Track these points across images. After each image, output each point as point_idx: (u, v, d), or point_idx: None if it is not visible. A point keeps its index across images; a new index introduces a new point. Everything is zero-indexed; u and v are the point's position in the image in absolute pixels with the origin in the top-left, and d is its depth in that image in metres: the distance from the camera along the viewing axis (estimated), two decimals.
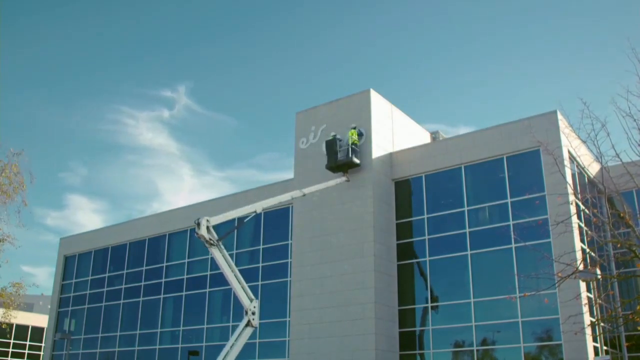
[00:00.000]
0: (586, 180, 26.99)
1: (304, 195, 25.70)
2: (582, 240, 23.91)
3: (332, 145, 27.68)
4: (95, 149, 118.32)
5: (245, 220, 23.25)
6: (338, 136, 27.81)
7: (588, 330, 20.29)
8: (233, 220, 22.24)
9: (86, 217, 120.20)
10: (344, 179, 27.40)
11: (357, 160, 27.17)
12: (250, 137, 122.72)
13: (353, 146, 27.34)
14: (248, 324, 19.79)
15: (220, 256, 19.66)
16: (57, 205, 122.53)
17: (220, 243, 19.70)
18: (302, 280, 27.81)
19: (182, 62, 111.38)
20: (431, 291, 26.33)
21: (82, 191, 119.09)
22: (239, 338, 19.47)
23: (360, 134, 27.78)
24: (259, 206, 22.71)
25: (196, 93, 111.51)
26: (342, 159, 27.26)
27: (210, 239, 19.30)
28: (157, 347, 34.46)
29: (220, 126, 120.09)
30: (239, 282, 20.11)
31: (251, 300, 20.11)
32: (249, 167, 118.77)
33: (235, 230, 28.95)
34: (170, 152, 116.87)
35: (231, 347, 19.16)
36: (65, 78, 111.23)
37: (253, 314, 19.91)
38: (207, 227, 19.34)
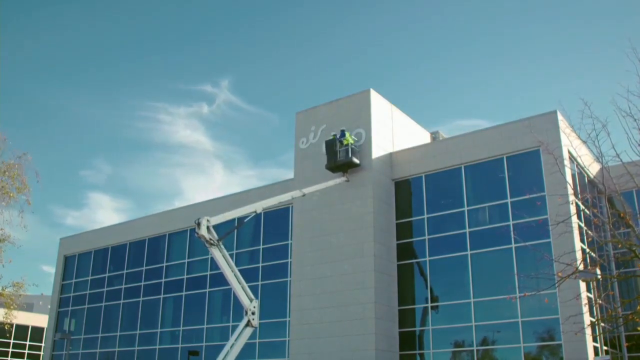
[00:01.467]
0: (586, 180, 26.99)
1: (304, 195, 25.72)
2: (582, 240, 23.91)
3: (332, 146, 27.65)
4: (123, 147, 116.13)
5: (245, 220, 23.23)
6: (338, 136, 27.79)
7: (588, 330, 20.28)
8: (233, 220, 22.23)
9: (107, 216, 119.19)
10: (343, 179, 27.42)
11: (356, 160, 27.18)
12: (288, 134, 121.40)
13: (352, 147, 27.33)
14: (248, 324, 19.80)
15: (220, 256, 19.67)
16: (77, 205, 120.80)
17: (221, 243, 19.69)
18: (302, 280, 27.81)
19: (225, 56, 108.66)
20: (431, 291, 26.33)
21: (105, 190, 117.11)
22: (239, 338, 19.48)
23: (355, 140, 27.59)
24: (259, 206, 22.71)
25: (239, 88, 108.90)
26: (342, 159, 27.26)
27: (210, 239, 19.28)
28: (157, 347, 34.46)
29: (260, 122, 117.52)
30: (239, 282, 20.11)
31: (251, 300, 20.12)
32: (278, 165, 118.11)
33: (236, 230, 28.94)
34: (204, 150, 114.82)
35: (231, 347, 19.16)
36: (99, 72, 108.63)
37: (253, 314, 19.92)
38: (208, 227, 19.31)
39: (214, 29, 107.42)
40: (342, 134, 27.62)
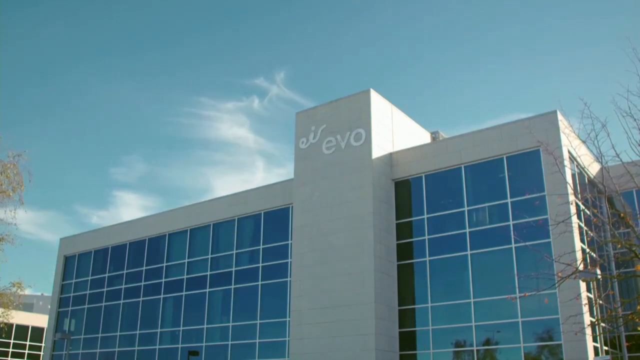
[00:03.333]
0: (586, 180, 26.99)
1: None
2: (582, 240, 23.91)
3: None
4: (162, 143, 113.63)
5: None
6: None
7: (588, 330, 20.27)
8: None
9: (133, 215, 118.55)
10: None
11: None
12: None
13: None
14: None
15: None
16: (103, 203, 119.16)
17: None
18: (302, 280, 27.80)
19: (281, 49, 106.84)
20: (431, 291, 26.32)
21: (135, 188, 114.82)
22: None
23: None
24: None
25: (293, 81, 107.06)
26: None
27: None
28: (157, 347, 34.46)
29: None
30: None
31: None
32: None
33: (235, 233, 28.38)
34: (247, 147, 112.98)
35: None
36: (147, 66, 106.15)
37: None
38: None
39: (267, 21, 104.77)
40: None
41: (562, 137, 23.26)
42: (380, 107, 28.96)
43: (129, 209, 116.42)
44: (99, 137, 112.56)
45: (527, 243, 21.41)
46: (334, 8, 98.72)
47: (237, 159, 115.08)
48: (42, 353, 47.16)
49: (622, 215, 13.25)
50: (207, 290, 33.02)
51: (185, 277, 34.50)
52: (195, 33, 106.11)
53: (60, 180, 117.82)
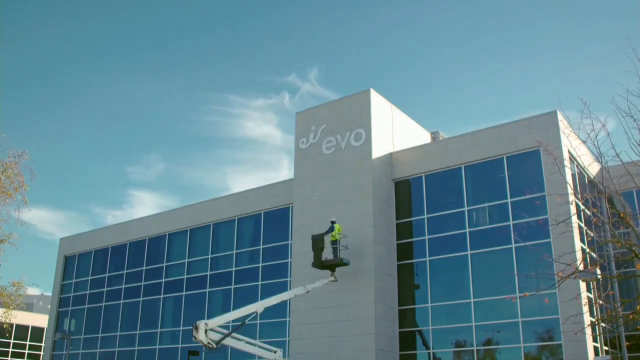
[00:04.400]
0: (586, 180, 26.99)
1: (308, 292, 24.83)
2: (582, 240, 23.91)
3: (318, 242, 25.58)
4: (185, 142, 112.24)
5: (246, 321, 21.55)
6: (327, 229, 26.04)
7: (588, 330, 20.27)
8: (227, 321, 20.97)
9: (147, 214, 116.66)
10: (331, 279, 25.62)
11: (346, 261, 25.53)
12: None
13: (339, 243, 25.66)
14: None
15: (234, 344, 19.09)
16: (117, 202, 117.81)
17: (220, 344, 18.59)
18: (302, 281, 27.75)
19: (314, 45, 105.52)
20: (431, 291, 26.31)
21: (153, 187, 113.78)
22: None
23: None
24: (260, 306, 21.85)
25: (326, 78, 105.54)
26: (329, 258, 25.50)
27: (209, 343, 18.08)
28: (157, 347, 34.46)
29: None
30: (256, 346, 19.58)
31: (275, 352, 19.77)
32: None
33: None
34: (274, 144, 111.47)
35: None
36: (174, 63, 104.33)
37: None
38: (206, 331, 18.11)
39: (301, 18, 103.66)
40: (332, 227, 25.85)
41: (562, 137, 23.26)
42: (380, 107, 28.96)
43: (145, 209, 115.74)
44: (118, 136, 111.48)
45: (527, 243, 21.41)
46: (333, 8, 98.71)
47: (263, 157, 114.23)
48: (42, 353, 47.16)
49: (622, 215, 13.25)
50: (207, 290, 33.02)
51: (185, 277, 34.50)
52: (224, 30, 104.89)
53: (78, 179, 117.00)
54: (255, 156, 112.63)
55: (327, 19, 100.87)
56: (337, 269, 26.20)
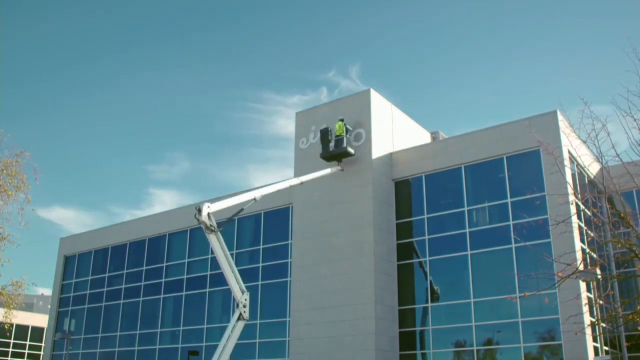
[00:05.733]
0: (586, 180, 26.99)
1: (302, 183, 26.00)
2: (582, 240, 23.91)
3: (326, 135, 28.01)
4: (215, 139, 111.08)
5: (243, 209, 22.93)
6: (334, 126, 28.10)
7: (588, 330, 20.28)
8: (231, 209, 22.20)
9: None
10: (338, 168, 27.73)
11: (351, 150, 27.43)
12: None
13: (346, 136, 27.67)
14: (240, 317, 19.82)
15: (218, 244, 19.76)
16: (137, 201, 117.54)
17: (219, 232, 19.75)
18: (302, 280, 27.80)
19: (354, 42, 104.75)
20: (431, 291, 26.32)
21: (175, 185, 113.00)
22: (233, 332, 19.50)
23: (347, 130, 27.87)
24: (258, 193, 22.79)
25: (367, 74, 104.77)
26: (335, 149, 27.60)
27: (210, 225, 19.36)
28: (157, 347, 34.46)
29: None
30: (233, 272, 20.20)
31: (243, 292, 20.19)
32: None
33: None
34: None
35: (226, 341, 19.19)
36: (211, 60, 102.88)
37: (244, 306, 19.96)
38: (208, 214, 19.38)
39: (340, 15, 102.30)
40: (347, 127, 27.99)
41: (562, 137, 23.27)
42: (380, 107, 28.96)
43: (164, 208, 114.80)
44: (144, 132, 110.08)
45: (527, 243, 21.40)
46: (333, 8, 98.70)
47: (289, 155, 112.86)
48: (42, 353, 47.17)
49: (622, 215, 13.26)
50: (207, 290, 33.02)
51: (185, 277, 34.51)
52: (268, 25, 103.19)
53: (102, 177, 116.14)
54: (281, 154, 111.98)
55: (326, 19, 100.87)
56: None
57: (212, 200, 20.47)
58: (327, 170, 27.14)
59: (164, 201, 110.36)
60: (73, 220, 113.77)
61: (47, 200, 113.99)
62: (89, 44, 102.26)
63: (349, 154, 27.49)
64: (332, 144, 27.76)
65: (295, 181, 25.74)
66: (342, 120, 28.07)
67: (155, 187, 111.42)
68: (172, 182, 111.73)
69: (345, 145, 27.39)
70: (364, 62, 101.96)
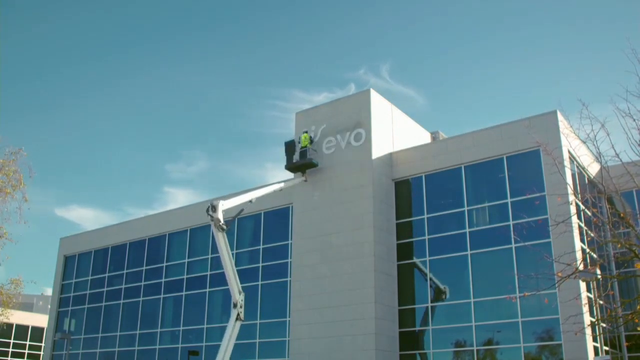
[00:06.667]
0: (586, 180, 27.00)
1: (281, 189, 27.71)
2: (582, 240, 23.92)
3: (290, 147, 28.95)
4: (235, 138, 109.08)
5: (243, 209, 23.94)
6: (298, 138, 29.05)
7: (588, 330, 20.28)
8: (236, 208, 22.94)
9: None
10: (302, 179, 28.62)
11: (315, 161, 28.34)
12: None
13: (309, 148, 28.57)
14: (237, 317, 20.00)
15: (224, 242, 19.98)
16: (149, 200, 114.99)
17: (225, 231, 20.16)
18: (302, 280, 27.80)
19: (386, 40, 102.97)
20: (433, 290, 26.33)
21: (191, 184, 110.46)
22: (233, 333, 19.68)
23: (311, 141, 28.80)
24: (254, 195, 24.54)
25: (398, 73, 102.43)
26: (300, 159, 28.57)
27: (222, 223, 19.95)
28: (157, 347, 34.46)
29: (406, 102, 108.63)
30: (234, 273, 20.40)
31: (240, 293, 20.37)
32: None
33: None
34: None
35: (228, 343, 19.30)
36: (238, 58, 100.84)
37: (241, 307, 20.22)
38: (222, 210, 20.07)
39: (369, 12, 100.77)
40: (311, 138, 28.88)
41: (562, 137, 23.26)
42: (380, 107, 28.96)
43: (177, 207, 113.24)
44: (165, 129, 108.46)
45: (527, 243, 21.41)
46: (333, 8, 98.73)
47: None
48: (42, 353, 47.16)
49: (622, 215, 13.27)
50: (207, 290, 33.01)
51: (185, 277, 34.50)
52: (299, 24, 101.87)
53: (119, 175, 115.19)
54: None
55: (327, 19, 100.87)
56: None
57: (217, 199, 20.66)
58: (296, 180, 28.35)
59: (177, 200, 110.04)
60: (92, 219, 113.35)
61: (66, 199, 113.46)
62: (108, 39, 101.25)
63: (313, 165, 28.31)
64: (295, 157, 28.60)
65: (277, 187, 27.30)
66: (306, 132, 28.97)
67: (170, 186, 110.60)
68: (189, 181, 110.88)
69: (309, 156, 28.29)
70: (395, 60, 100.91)
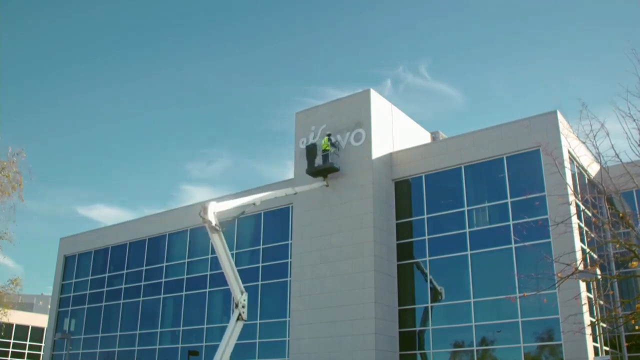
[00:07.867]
0: (586, 180, 27.00)
1: (296, 193, 27.15)
2: (582, 240, 23.92)
3: (311, 151, 28.45)
4: (258, 136, 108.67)
5: (245, 211, 23.77)
6: (322, 140, 28.53)
7: (588, 330, 20.28)
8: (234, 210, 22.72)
9: None
10: (324, 183, 28.15)
11: (336, 166, 27.79)
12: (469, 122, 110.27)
13: (331, 152, 27.97)
14: (239, 317, 19.86)
15: (220, 243, 19.83)
16: (165, 198, 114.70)
17: (222, 231, 19.92)
18: (302, 280, 27.81)
19: (425, 38, 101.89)
20: (431, 291, 26.33)
21: (211, 183, 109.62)
22: (233, 333, 19.56)
23: (332, 144, 28.13)
24: (257, 199, 23.64)
25: (437, 71, 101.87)
26: (320, 164, 28.02)
27: (215, 225, 19.57)
28: (157, 347, 34.47)
29: (445, 100, 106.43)
30: (234, 273, 20.27)
31: (242, 293, 20.23)
32: None
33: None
34: None
35: (227, 343, 19.23)
36: (263, 57, 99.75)
37: (243, 307, 20.03)
38: (214, 212, 19.59)
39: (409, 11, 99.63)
40: (331, 141, 28.22)
41: (562, 137, 23.26)
42: (380, 107, 28.96)
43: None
44: (188, 127, 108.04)
45: (527, 243, 21.42)
46: (333, 8, 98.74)
47: None
48: (42, 353, 47.18)
49: (621, 215, 13.27)
50: (207, 290, 33.02)
51: (185, 277, 34.50)
52: (341, 23, 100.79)
53: (141, 176, 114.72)
54: None
55: (327, 19, 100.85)
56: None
57: (217, 200, 20.54)
58: (313, 185, 27.83)
59: (196, 198, 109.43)
60: (116, 218, 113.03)
61: (90, 198, 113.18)
62: (128, 35, 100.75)
63: (334, 170, 27.87)
64: (317, 160, 28.15)
65: (290, 191, 26.74)
66: (328, 135, 28.42)
67: (187, 184, 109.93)
68: (209, 179, 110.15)
69: (331, 160, 27.78)
70: (435, 58, 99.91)
